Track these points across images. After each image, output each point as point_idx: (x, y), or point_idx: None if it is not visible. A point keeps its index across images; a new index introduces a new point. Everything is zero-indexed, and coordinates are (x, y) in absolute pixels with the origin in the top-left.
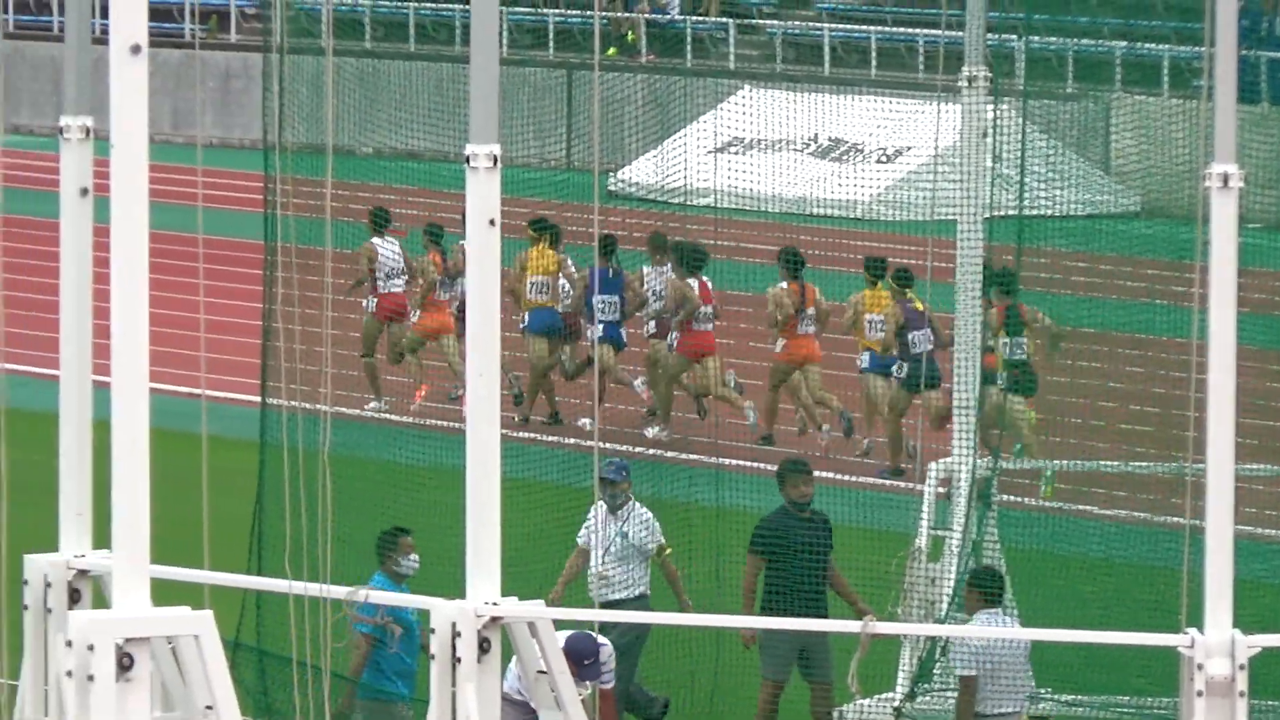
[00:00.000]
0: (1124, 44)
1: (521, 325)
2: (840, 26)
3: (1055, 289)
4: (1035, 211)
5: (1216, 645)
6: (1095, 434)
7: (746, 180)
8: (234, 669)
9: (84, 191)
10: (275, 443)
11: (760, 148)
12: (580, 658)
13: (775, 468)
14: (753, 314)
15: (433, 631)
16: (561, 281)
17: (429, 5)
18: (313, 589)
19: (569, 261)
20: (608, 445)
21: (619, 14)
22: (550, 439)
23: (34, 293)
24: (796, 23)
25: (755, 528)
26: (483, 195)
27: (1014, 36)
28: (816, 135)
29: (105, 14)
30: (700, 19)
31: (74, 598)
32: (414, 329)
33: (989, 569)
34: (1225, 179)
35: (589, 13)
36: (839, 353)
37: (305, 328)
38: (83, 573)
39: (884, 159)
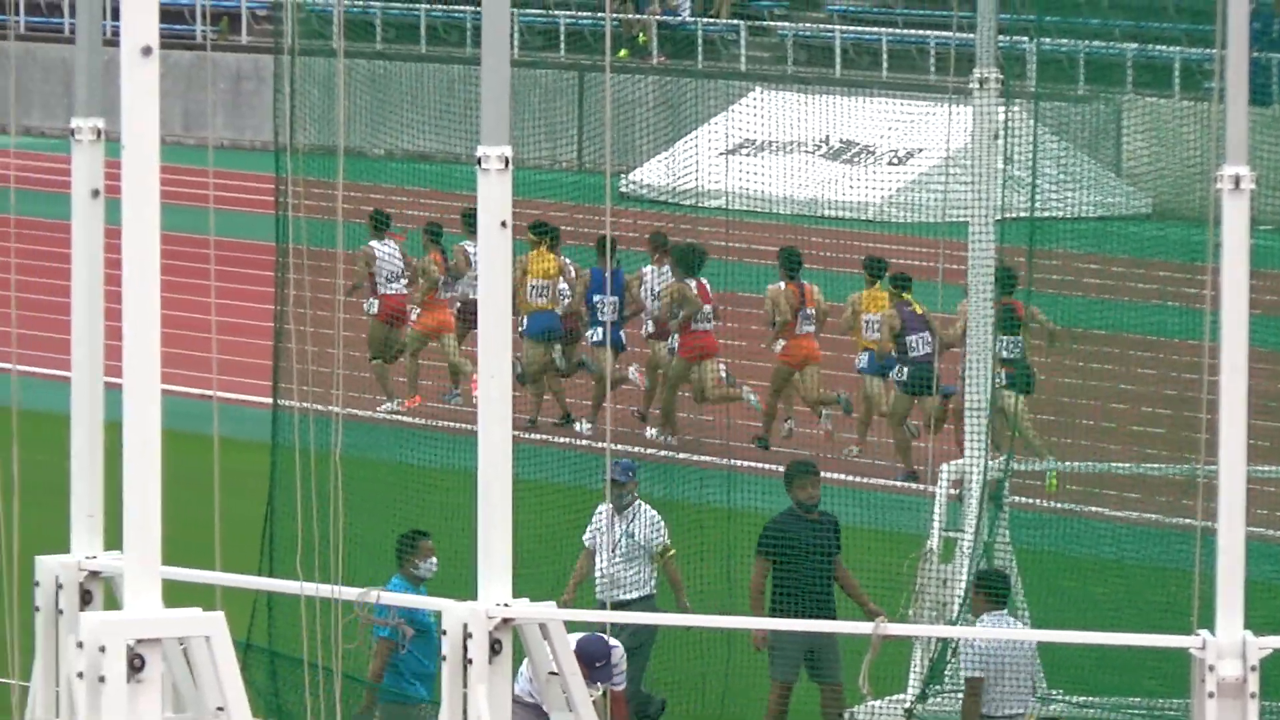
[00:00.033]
0: (1135, 46)
1: (520, 328)
2: (852, 28)
3: (1067, 291)
4: (1047, 213)
5: (1228, 647)
6: (1107, 435)
7: (758, 182)
8: (245, 670)
9: (95, 193)
10: (287, 444)
11: (772, 150)
12: (592, 660)
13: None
14: (764, 316)
15: (444, 633)
16: (561, 285)
17: (440, 7)
18: (324, 590)
19: (569, 265)
20: (619, 447)
21: (630, 16)
22: (562, 440)
23: (45, 294)
24: (808, 24)
25: (762, 530)
26: (494, 197)
27: (1025, 38)
28: (828, 137)
29: (116, 16)
30: (712, 21)
31: (85, 599)
32: (414, 326)
33: (994, 570)
34: (1237, 181)
35: (600, 14)
36: (838, 353)
37: (317, 329)
38: (94, 574)
39: (895, 161)
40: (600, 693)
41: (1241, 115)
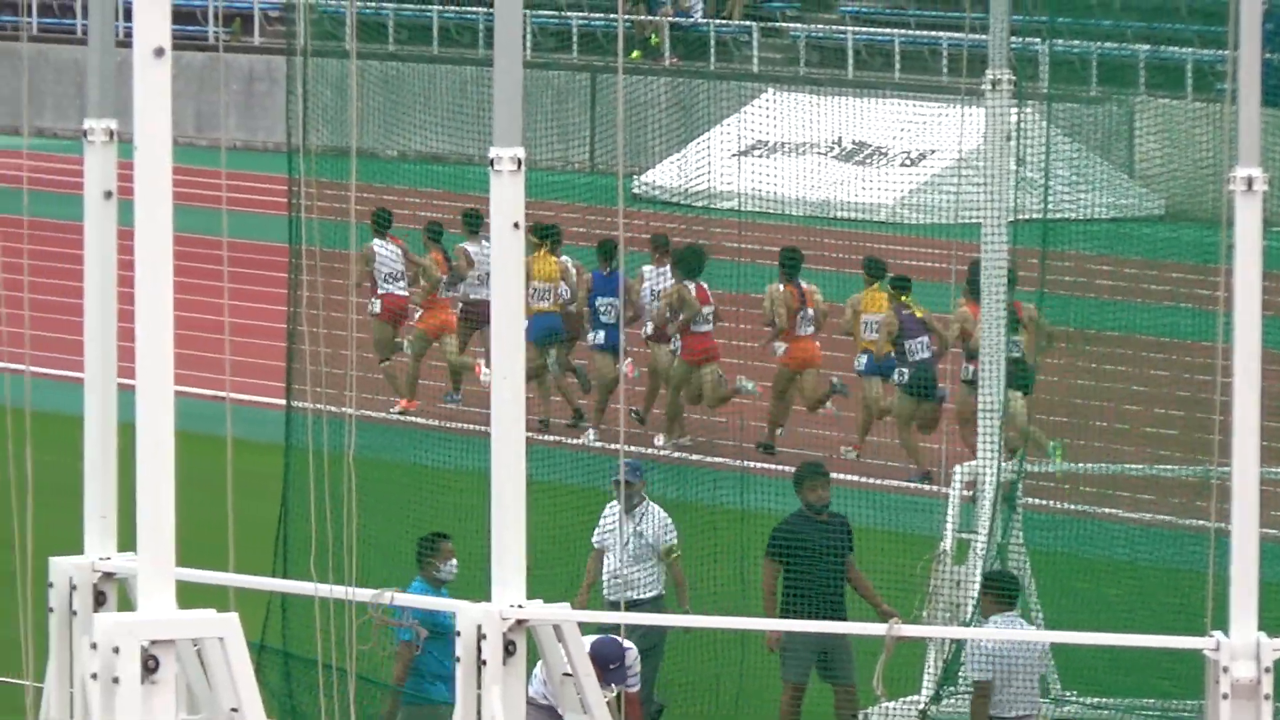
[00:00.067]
0: (1148, 47)
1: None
2: (864, 29)
3: (1079, 292)
4: (1059, 215)
5: (1241, 648)
6: (1120, 437)
7: (770, 184)
8: (259, 672)
9: (108, 194)
10: (300, 445)
11: (784, 151)
12: (606, 662)
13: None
14: (762, 316)
15: (458, 634)
16: (561, 287)
17: (452, 8)
18: (338, 591)
19: (570, 267)
20: (633, 448)
21: (643, 17)
22: (574, 442)
23: (58, 295)
24: (820, 26)
25: (772, 532)
26: (507, 198)
27: (1038, 39)
28: (840, 138)
29: (129, 17)
30: (724, 22)
31: (99, 600)
32: (417, 326)
33: (1003, 572)
34: (1249, 182)
35: (612, 16)
36: (840, 353)
37: (330, 330)
38: (108, 575)
39: (908, 162)
40: (614, 695)
41: (1254, 116)
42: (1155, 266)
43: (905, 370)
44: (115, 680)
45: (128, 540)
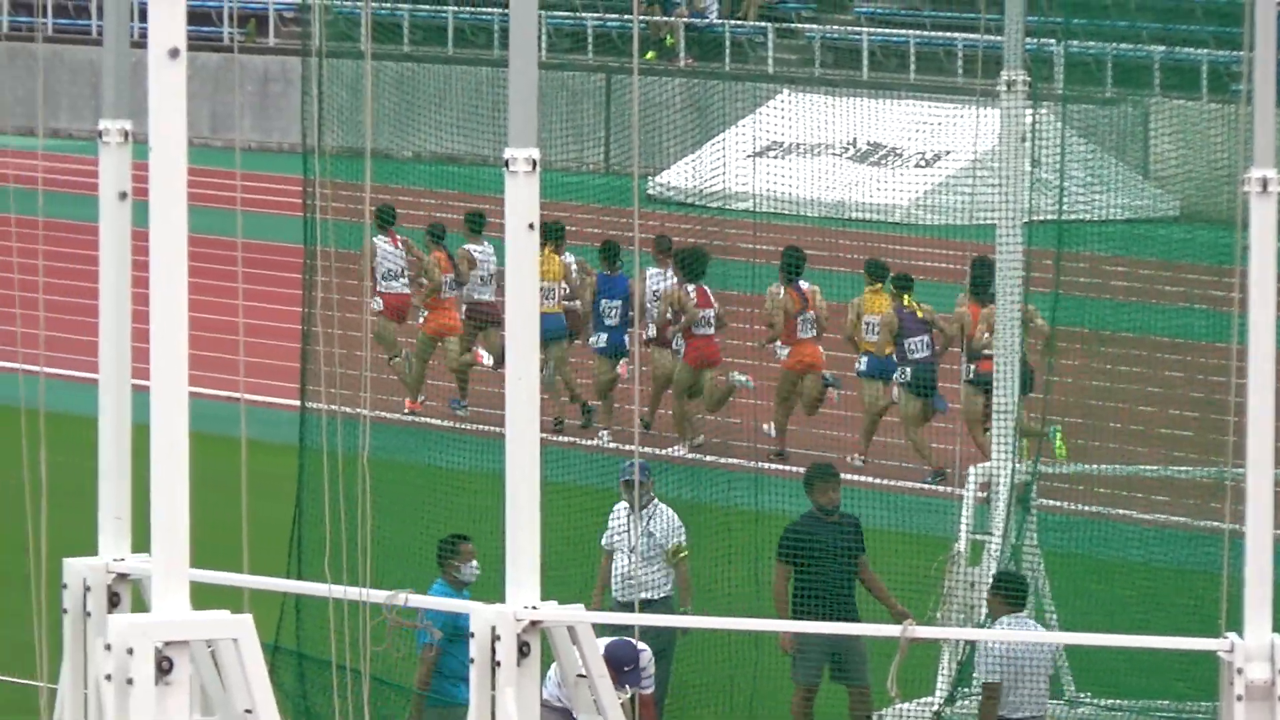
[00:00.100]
0: (1163, 48)
1: None
2: (879, 31)
3: (1094, 294)
4: (1074, 216)
5: (1256, 650)
6: (1135, 438)
7: (785, 184)
8: (273, 673)
9: (123, 195)
10: (315, 446)
11: (799, 152)
12: (620, 664)
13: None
14: (764, 316)
15: (472, 635)
16: (563, 286)
17: (467, 9)
18: (352, 593)
19: (572, 267)
20: (648, 449)
21: (658, 18)
22: (588, 443)
23: (73, 296)
24: (835, 27)
25: (782, 534)
26: (522, 199)
27: (1053, 41)
28: (855, 139)
29: (144, 18)
30: (739, 23)
31: (113, 601)
32: (421, 328)
33: (1012, 573)
34: (1264, 183)
35: (628, 17)
36: (842, 354)
37: (344, 331)
38: (122, 576)
39: (923, 163)
40: (628, 696)
41: (1269, 118)
42: (1170, 268)
43: (907, 369)
44: (129, 681)
45: (142, 541)
